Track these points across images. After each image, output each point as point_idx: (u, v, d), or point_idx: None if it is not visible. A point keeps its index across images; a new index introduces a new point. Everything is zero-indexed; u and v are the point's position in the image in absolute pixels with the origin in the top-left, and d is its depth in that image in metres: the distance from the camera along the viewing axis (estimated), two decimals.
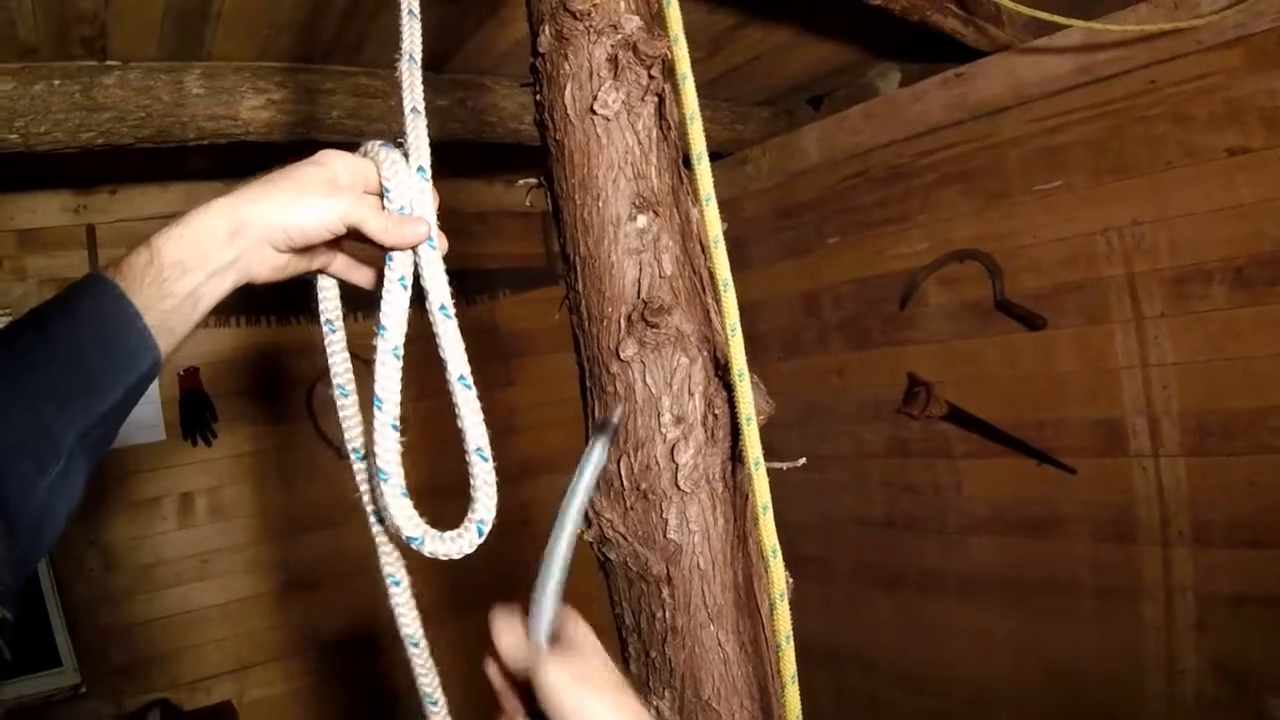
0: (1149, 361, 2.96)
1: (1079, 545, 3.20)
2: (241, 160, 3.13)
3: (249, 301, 3.65)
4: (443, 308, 0.87)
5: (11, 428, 0.72)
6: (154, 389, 3.48)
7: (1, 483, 0.69)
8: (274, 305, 3.69)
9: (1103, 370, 3.08)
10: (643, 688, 1.30)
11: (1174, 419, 2.92)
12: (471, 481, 0.84)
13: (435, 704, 1.02)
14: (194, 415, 3.57)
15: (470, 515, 0.83)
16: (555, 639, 0.85)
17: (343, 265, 0.97)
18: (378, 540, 0.97)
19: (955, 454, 3.57)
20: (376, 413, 0.82)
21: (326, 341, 0.97)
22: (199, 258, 0.81)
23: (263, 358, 3.73)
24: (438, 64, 2.96)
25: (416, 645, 1.00)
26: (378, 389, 0.82)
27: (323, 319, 0.97)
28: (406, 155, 0.89)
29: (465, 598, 4.13)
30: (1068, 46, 2.99)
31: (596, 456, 0.93)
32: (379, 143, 0.91)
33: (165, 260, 0.80)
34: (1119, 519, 3.08)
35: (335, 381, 0.96)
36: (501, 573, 4.36)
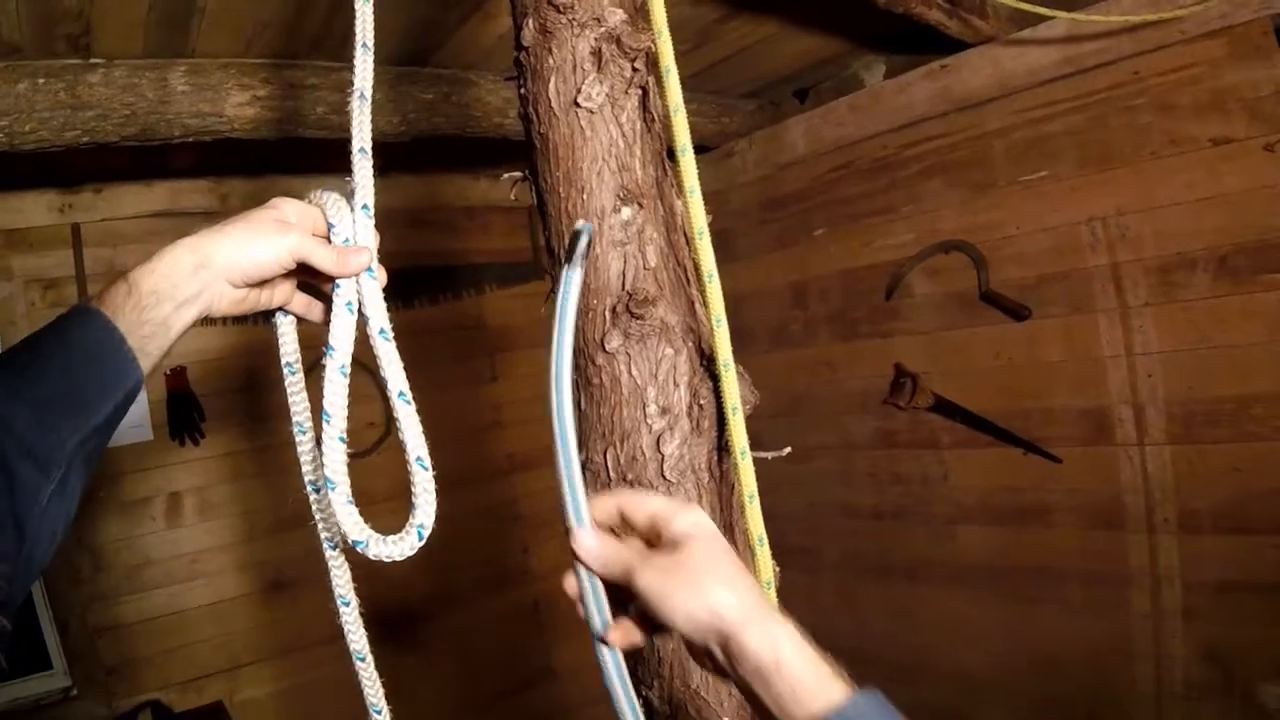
0: (1134, 350, 2.97)
1: (1066, 534, 3.21)
2: (227, 157, 3.13)
3: None
4: (382, 331, 0.94)
5: (19, 434, 0.80)
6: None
7: (11, 488, 0.78)
8: None
9: (1088, 360, 3.09)
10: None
11: (1159, 407, 2.94)
12: (413, 489, 0.90)
13: (380, 712, 1.11)
14: (182, 415, 3.55)
15: (411, 520, 0.89)
16: (654, 536, 0.83)
17: (301, 304, 1.06)
18: (330, 563, 1.07)
19: (942, 444, 3.59)
20: (325, 426, 0.89)
21: (287, 383, 1.05)
22: (170, 288, 0.90)
23: (250, 356, 3.72)
24: (422, 59, 2.96)
25: (363, 660, 1.07)
26: (326, 404, 0.90)
27: (283, 361, 1.06)
28: (353, 193, 0.97)
29: (460, 590, 4.15)
30: (1052, 38, 3.00)
31: (574, 291, 0.87)
32: (324, 190, 1.00)
33: (142, 290, 0.89)
34: (1106, 507, 3.09)
35: (295, 420, 1.05)
36: (495, 565, 4.40)
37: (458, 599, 4.10)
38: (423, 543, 0.89)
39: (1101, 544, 3.11)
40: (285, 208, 0.97)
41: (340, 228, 0.96)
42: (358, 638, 1.06)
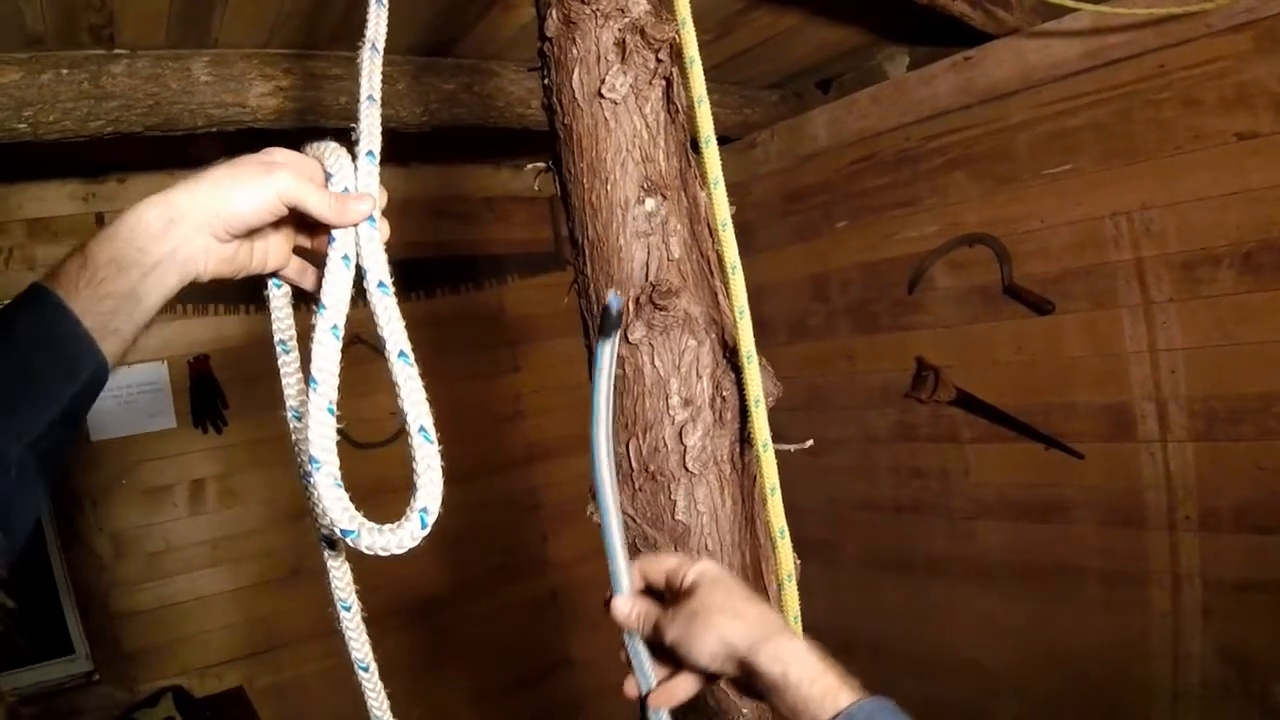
0: (1157, 346, 2.95)
1: (1086, 530, 3.20)
2: (250, 147, 3.13)
3: (259, 290, 3.65)
4: (381, 284, 0.83)
5: None
6: (163, 377, 3.49)
7: None
8: None
9: (1111, 355, 3.07)
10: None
11: (1182, 404, 2.92)
12: (414, 466, 0.78)
13: None
14: (204, 402, 3.58)
15: (412, 503, 0.76)
16: (676, 589, 0.93)
17: (296, 269, 0.96)
18: (328, 561, 0.97)
19: (963, 439, 3.57)
20: (311, 394, 0.78)
21: (280, 363, 0.95)
22: (134, 254, 0.79)
23: (273, 344, 3.74)
24: (445, 49, 2.96)
25: (366, 670, 0.99)
26: (314, 369, 0.78)
27: (275, 339, 0.96)
28: (357, 141, 0.87)
29: (479, 580, 4.16)
30: (1076, 30, 2.98)
31: (608, 362, 0.89)
32: (332, 147, 0.89)
33: (98, 261, 0.79)
34: (1126, 504, 3.07)
35: (289, 404, 0.94)
36: (513, 555, 4.41)
37: (476, 588, 4.12)
38: (426, 531, 0.76)
39: (1122, 541, 3.10)
40: (275, 152, 0.86)
41: (339, 176, 0.85)
42: (360, 645, 0.98)
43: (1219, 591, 2.88)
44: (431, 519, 0.76)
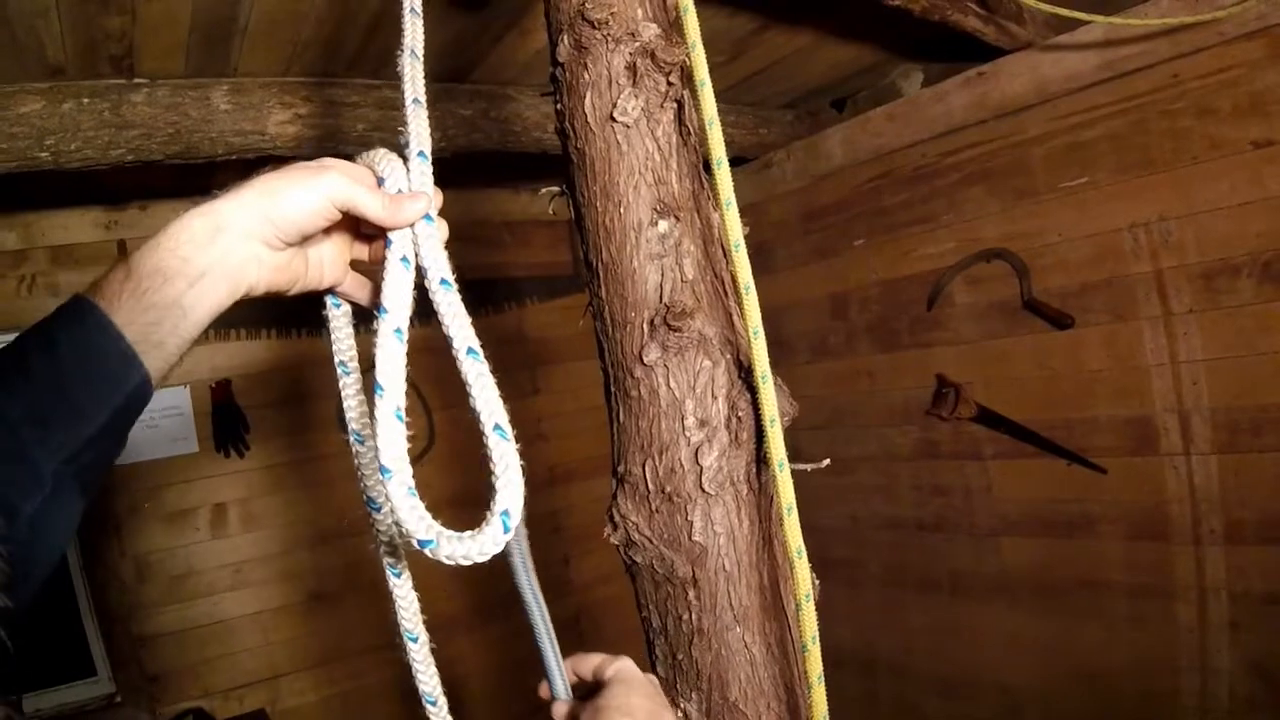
0: (1178, 358, 2.93)
1: (1111, 545, 3.17)
2: None
3: (280, 314, 3.68)
4: (444, 281, 0.81)
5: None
6: (186, 402, 3.53)
7: None
8: (305, 318, 3.71)
9: (1132, 368, 3.05)
10: (670, 690, 1.31)
11: (1205, 416, 2.90)
12: (491, 466, 0.73)
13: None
14: (226, 427, 3.61)
15: (492, 506, 0.72)
16: (599, 684, 0.98)
17: (354, 284, 0.92)
18: (394, 591, 0.93)
19: (985, 455, 3.55)
20: (378, 400, 0.74)
21: (341, 384, 0.91)
22: (178, 263, 0.76)
23: (294, 369, 3.77)
24: (461, 75, 2.98)
25: (434, 704, 0.96)
26: (379, 374, 0.75)
27: (335, 360, 0.92)
28: (407, 144, 0.85)
29: (501, 602, 4.16)
30: (1090, 43, 2.97)
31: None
32: (384, 152, 0.87)
33: (142, 271, 0.76)
34: (1151, 518, 3.05)
35: (350, 427, 0.91)
36: (537, 577, 4.39)
37: (497, 610, 4.12)
38: (509, 535, 0.71)
39: (1147, 555, 3.07)
40: (326, 160, 0.83)
41: (392, 179, 0.82)
42: (428, 678, 0.94)
43: (1246, 605, 2.85)
44: (514, 521, 0.72)
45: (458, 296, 0.80)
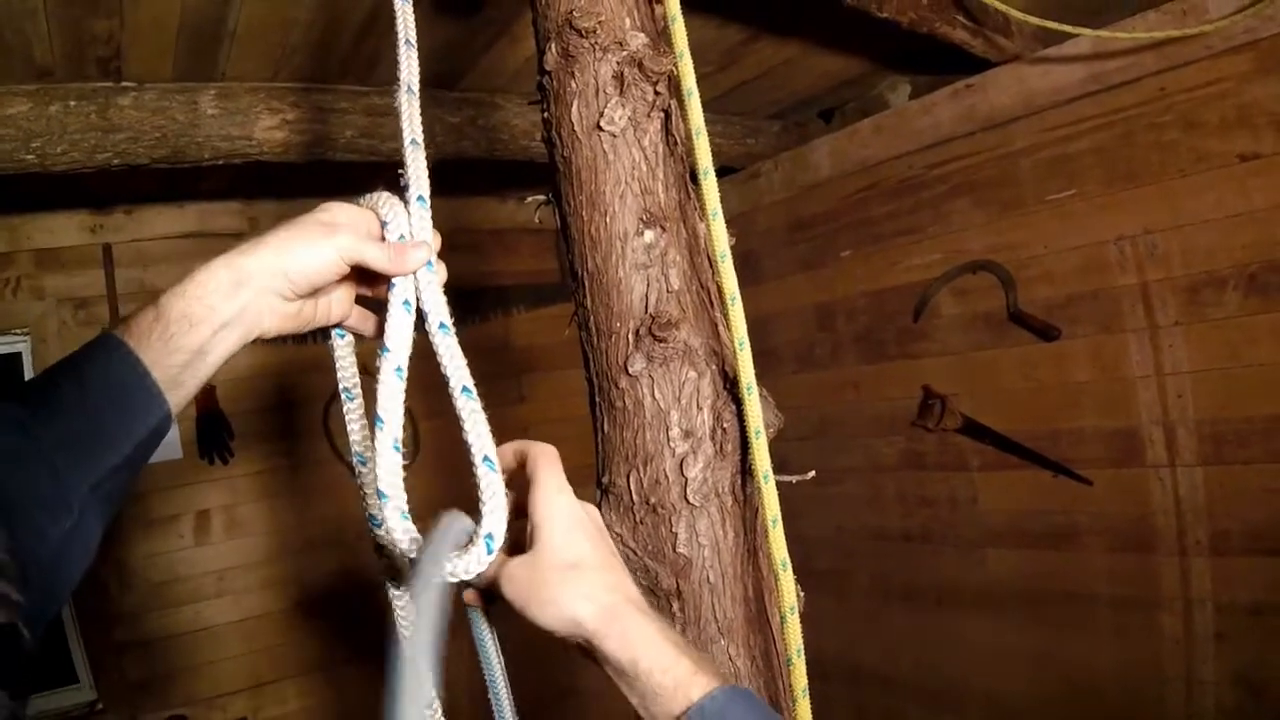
0: (1164, 370, 2.94)
1: (1096, 557, 3.17)
2: (256, 180, 3.16)
3: None
4: (442, 325, 0.87)
5: (27, 479, 0.74)
6: None
7: (16, 533, 0.71)
8: None
9: (1117, 380, 3.06)
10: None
11: (1190, 428, 2.90)
12: (480, 494, 0.81)
13: None
14: (211, 434, 3.59)
15: (479, 529, 0.79)
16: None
17: (358, 318, 0.99)
18: (396, 609, 0.98)
19: (971, 466, 3.56)
20: (378, 431, 0.81)
21: (345, 410, 0.99)
22: (204, 311, 0.83)
23: (279, 376, 3.75)
24: (449, 82, 2.98)
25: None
26: (379, 408, 0.82)
27: (340, 386, 0.99)
28: (406, 186, 0.91)
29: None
30: (1077, 55, 2.99)
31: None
32: (385, 196, 0.92)
33: (171, 316, 0.82)
34: (1136, 530, 3.05)
35: (354, 450, 0.97)
36: None
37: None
38: (491, 557, 0.79)
39: (1132, 567, 3.07)
40: (334, 209, 0.90)
41: (395, 224, 0.89)
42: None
43: (1232, 616, 2.86)
44: (497, 544, 0.79)
45: (455, 339, 0.87)
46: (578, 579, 0.80)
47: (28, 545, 0.72)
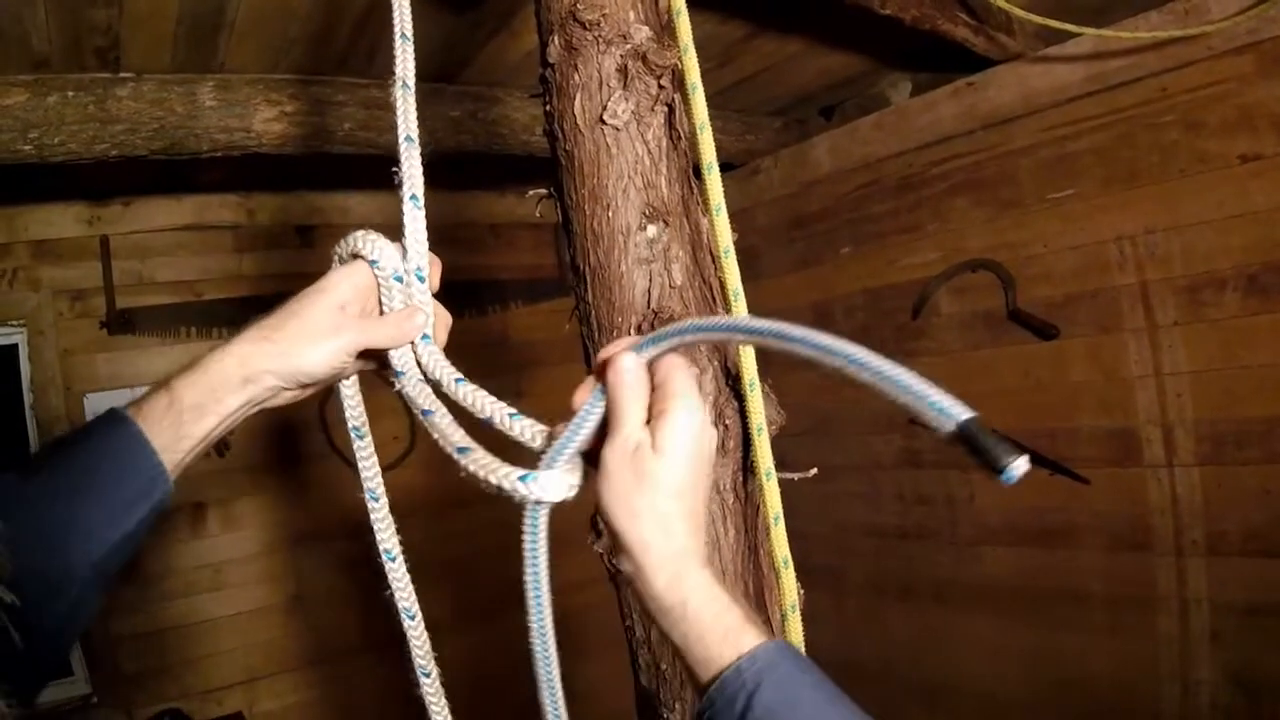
0: (1162, 370, 2.94)
1: (1093, 556, 3.17)
2: (255, 171, 3.15)
3: (258, 314, 3.65)
4: (458, 379, 0.90)
5: (33, 554, 0.76)
6: None
7: (23, 606, 0.74)
8: None
9: (1116, 379, 3.06)
10: (654, 700, 1.29)
11: (1188, 428, 2.90)
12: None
13: None
14: None
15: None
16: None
17: (359, 364, 1.00)
18: (408, 632, 1.02)
19: (968, 464, 3.53)
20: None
21: (355, 448, 1.00)
22: (214, 403, 0.87)
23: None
24: (450, 76, 2.97)
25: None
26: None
27: (349, 426, 1.01)
28: (400, 185, 0.92)
29: (479, 609, 4.13)
30: (1079, 55, 2.98)
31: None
32: (367, 237, 0.94)
33: (184, 404, 0.86)
34: (1133, 529, 3.05)
35: (367, 487, 1.00)
36: (515, 582, 4.37)
37: (476, 616, 4.09)
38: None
39: (1128, 566, 3.07)
40: (341, 286, 0.93)
41: (385, 262, 0.93)
42: (440, 708, 1.01)
43: (1227, 616, 2.86)
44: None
45: (472, 385, 0.89)
46: (669, 509, 0.77)
47: (33, 619, 0.76)
